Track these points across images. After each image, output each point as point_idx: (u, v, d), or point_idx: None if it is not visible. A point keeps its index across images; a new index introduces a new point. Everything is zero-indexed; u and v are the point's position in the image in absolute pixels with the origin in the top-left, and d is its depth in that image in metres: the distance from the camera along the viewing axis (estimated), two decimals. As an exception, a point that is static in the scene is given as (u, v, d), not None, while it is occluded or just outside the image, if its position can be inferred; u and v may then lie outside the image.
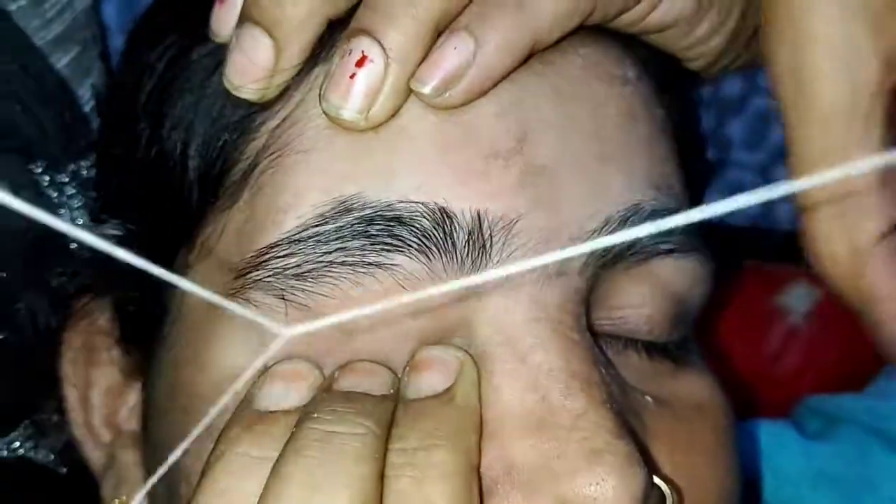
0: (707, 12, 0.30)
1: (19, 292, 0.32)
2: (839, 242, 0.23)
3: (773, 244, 0.55)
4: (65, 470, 0.35)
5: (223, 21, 0.28)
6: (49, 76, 0.33)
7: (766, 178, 1.06)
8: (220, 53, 0.29)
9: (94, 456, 0.34)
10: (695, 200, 0.32)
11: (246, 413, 0.25)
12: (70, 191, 0.32)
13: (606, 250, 0.27)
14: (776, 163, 1.08)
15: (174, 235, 0.29)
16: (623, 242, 0.27)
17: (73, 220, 0.32)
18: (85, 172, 0.33)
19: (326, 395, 0.24)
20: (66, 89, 0.34)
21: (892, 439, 0.41)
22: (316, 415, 0.23)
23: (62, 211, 0.32)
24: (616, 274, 0.28)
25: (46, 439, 0.35)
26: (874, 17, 0.22)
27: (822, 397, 0.47)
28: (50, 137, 0.32)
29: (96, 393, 0.34)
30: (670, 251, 0.28)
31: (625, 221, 0.27)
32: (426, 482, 0.22)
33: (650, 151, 0.29)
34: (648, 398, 0.29)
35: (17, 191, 0.30)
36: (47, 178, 0.32)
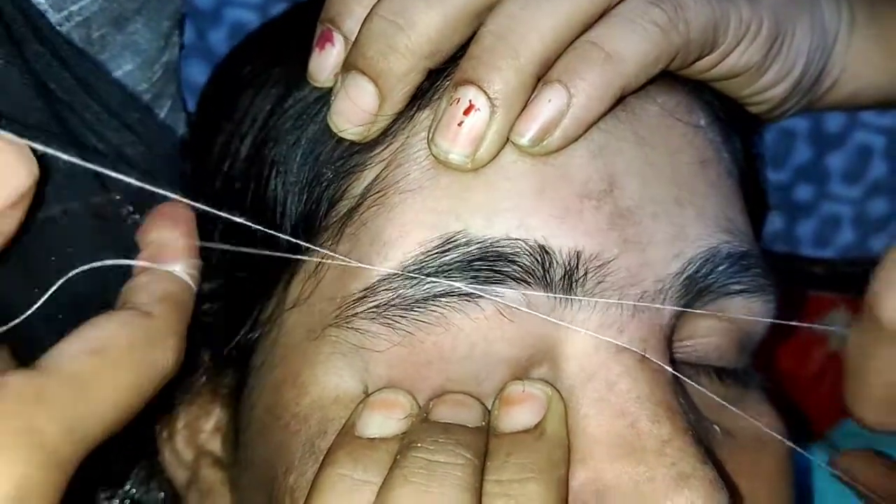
0: (773, 62, 0.32)
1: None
2: None
3: (815, 272, 0.57)
4: None
5: (321, 67, 0.31)
6: (160, 135, 0.35)
7: (862, 211, 1.08)
8: (316, 97, 0.31)
9: (178, 474, 0.36)
10: (756, 237, 0.34)
11: (349, 438, 0.27)
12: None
13: (687, 289, 0.29)
14: (873, 197, 1.09)
15: (273, 273, 0.31)
16: (701, 283, 0.29)
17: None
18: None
19: (427, 426, 0.26)
20: (174, 142, 0.36)
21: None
22: (419, 444, 0.25)
23: None
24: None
25: (157, 479, 0.37)
26: None
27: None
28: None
29: (180, 415, 0.36)
30: (740, 291, 0.30)
31: (704, 264, 0.29)
32: None
33: (720, 194, 0.31)
34: (716, 427, 0.30)
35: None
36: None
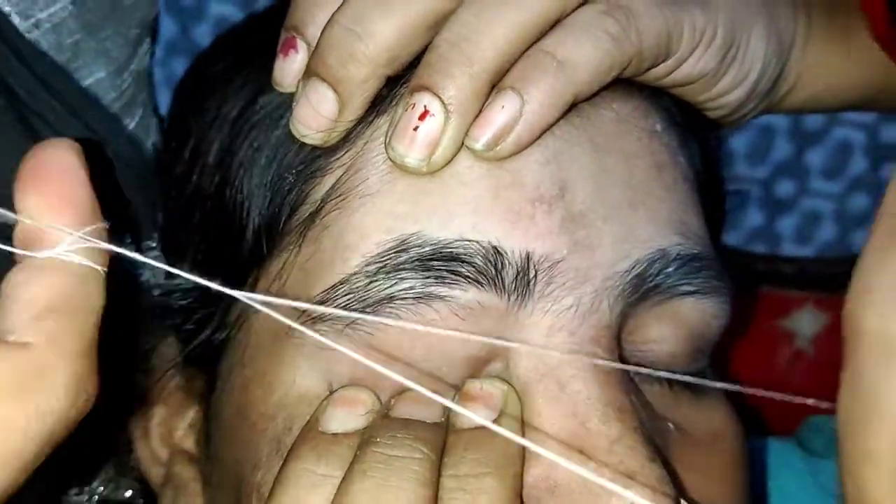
0: (728, 69, 0.33)
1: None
2: None
3: (782, 269, 0.58)
4: (142, 502, 0.38)
5: (285, 73, 0.31)
6: (126, 144, 0.36)
7: (842, 207, 1.08)
8: (280, 102, 0.32)
9: (153, 472, 0.37)
10: (714, 240, 0.35)
11: (313, 433, 0.27)
12: (155, 253, 0.35)
13: (636, 288, 0.30)
14: (853, 192, 1.11)
15: (239, 276, 0.32)
16: (650, 283, 0.30)
17: (153, 278, 0.35)
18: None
19: (387, 422, 0.27)
20: (140, 152, 0.37)
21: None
22: (378, 439, 0.26)
23: (141, 270, 0.34)
24: (642, 311, 0.31)
25: (126, 478, 0.37)
26: None
27: (826, 417, 0.49)
28: (136, 205, 0.34)
29: (155, 413, 0.37)
30: (692, 292, 0.31)
31: (652, 264, 0.30)
32: None
33: (675, 198, 0.32)
34: (670, 424, 0.31)
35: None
36: (133, 246, 0.34)
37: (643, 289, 0.30)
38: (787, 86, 0.36)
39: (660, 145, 0.32)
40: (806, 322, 0.53)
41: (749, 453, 0.34)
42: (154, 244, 0.35)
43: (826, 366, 0.53)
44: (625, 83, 0.31)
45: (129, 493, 0.37)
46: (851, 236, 1.30)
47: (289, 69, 0.31)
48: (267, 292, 0.31)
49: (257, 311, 0.31)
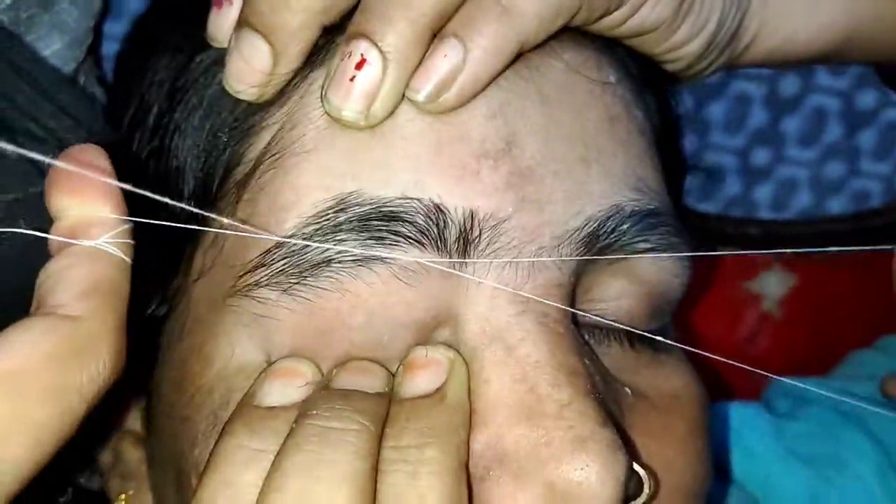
0: (685, 18, 0.31)
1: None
2: None
3: (750, 231, 0.57)
4: None
5: (219, 26, 0.30)
6: (101, 123, 0.35)
7: (818, 174, 1.09)
8: (216, 58, 0.30)
9: (102, 455, 0.36)
10: (673, 195, 0.34)
11: (248, 408, 0.26)
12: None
13: (588, 246, 0.28)
14: (828, 159, 1.11)
15: (176, 245, 0.30)
16: (604, 240, 0.29)
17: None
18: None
19: (325, 393, 0.26)
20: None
21: (859, 420, 0.43)
22: (315, 412, 0.25)
23: None
24: (597, 269, 0.29)
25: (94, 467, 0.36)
26: None
27: (791, 379, 0.49)
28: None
29: None
30: (649, 250, 0.30)
31: (606, 221, 0.29)
32: (419, 477, 0.24)
33: (630, 152, 0.30)
34: (627, 389, 0.30)
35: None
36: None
37: (597, 247, 0.29)
38: (749, 37, 0.35)
39: (613, 97, 0.31)
40: (773, 284, 0.53)
41: (711, 417, 0.33)
42: None
43: (793, 328, 0.53)
44: (576, 33, 0.30)
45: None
46: (827, 203, 1.30)
47: (223, 22, 0.29)
48: (205, 261, 0.30)
49: (196, 280, 0.30)
